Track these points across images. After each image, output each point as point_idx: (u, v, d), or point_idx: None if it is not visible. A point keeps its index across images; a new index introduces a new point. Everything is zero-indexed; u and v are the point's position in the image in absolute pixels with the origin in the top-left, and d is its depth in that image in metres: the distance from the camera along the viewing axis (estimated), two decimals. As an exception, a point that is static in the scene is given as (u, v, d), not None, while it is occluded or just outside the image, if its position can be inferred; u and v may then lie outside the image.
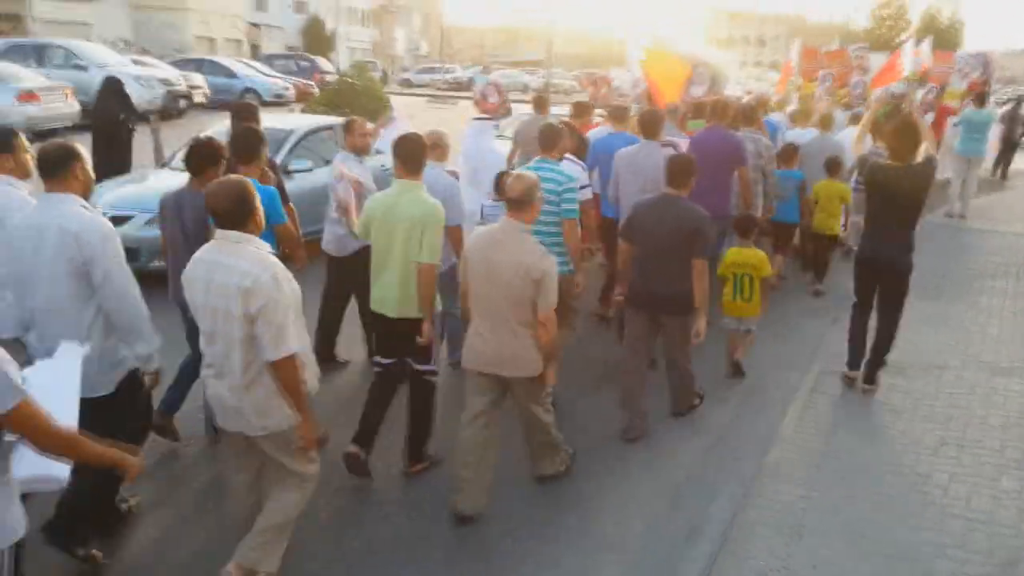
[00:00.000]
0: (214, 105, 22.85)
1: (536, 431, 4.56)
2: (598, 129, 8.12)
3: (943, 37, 41.08)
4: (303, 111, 18.99)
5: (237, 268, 3.25)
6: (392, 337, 4.60)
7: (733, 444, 5.33)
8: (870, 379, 6.06)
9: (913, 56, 15.18)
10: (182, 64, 25.68)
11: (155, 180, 8.64)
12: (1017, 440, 5.29)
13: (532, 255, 4.07)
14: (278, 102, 25.22)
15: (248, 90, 25.59)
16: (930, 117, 12.98)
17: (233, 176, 3.62)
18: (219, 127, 9.82)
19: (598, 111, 10.21)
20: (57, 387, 2.80)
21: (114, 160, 10.17)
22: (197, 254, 3.42)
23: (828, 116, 9.95)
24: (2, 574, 2.55)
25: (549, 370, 4.29)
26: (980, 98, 13.97)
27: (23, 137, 4.15)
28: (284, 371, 3.32)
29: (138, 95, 16.86)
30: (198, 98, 22.23)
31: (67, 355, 3.11)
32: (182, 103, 20.55)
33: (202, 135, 5.00)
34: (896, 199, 5.65)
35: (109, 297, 3.56)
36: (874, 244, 5.88)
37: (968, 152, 13.01)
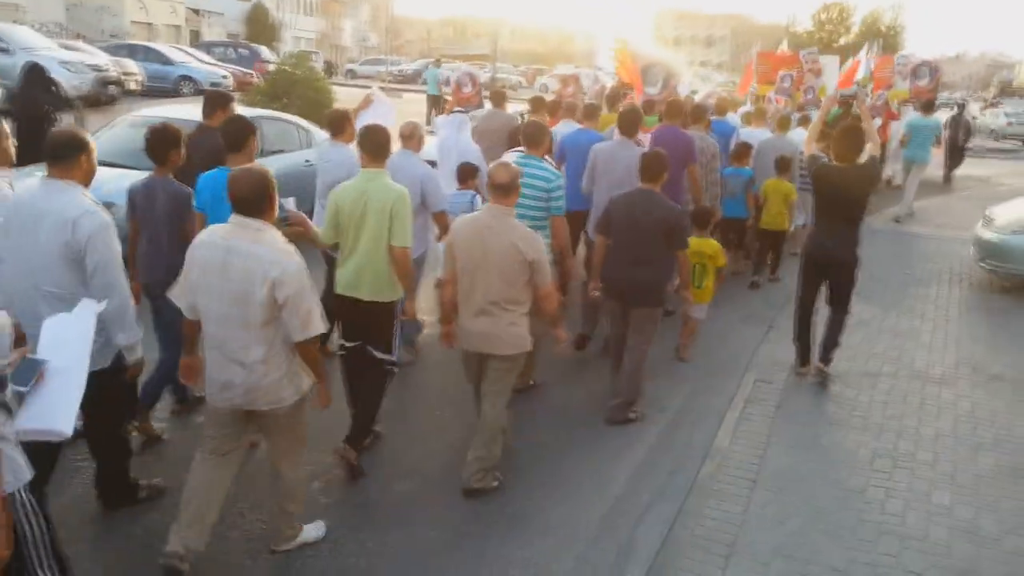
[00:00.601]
0: (148, 93, 22.11)
1: (487, 432, 4.58)
2: (562, 124, 8.26)
3: (884, 42, 42.08)
4: (240, 101, 18.47)
5: (261, 256, 3.38)
6: (356, 321, 4.70)
7: (667, 457, 5.20)
8: (826, 360, 6.34)
9: (867, 60, 15.86)
10: (115, 50, 24.68)
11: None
12: (949, 452, 5.26)
13: (524, 238, 4.36)
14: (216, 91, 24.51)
15: (184, 78, 24.79)
16: (878, 121, 13.34)
17: (256, 165, 3.77)
18: (144, 112, 9.42)
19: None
20: (71, 338, 2.95)
21: (38, 149, 9.65)
22: (209, 237, 3.52)
23: (786, 118, 10.32)
24: (22, 512, 2.76)
25: (558, 330, 4.69)
26: (928, 105, 14.29)
27: (5, 124, 4.28)
28: (308, 349, 3.57)
29: (65, 81, 16.20)
30: (131, 85, 21.40)
31: (84, 309, 3.16)
32: (113, 90, 19.72)
33: (158, 122, 4.96)
34: (842, 197, 5.92)
35: (99, 286, 3.57)
36: (822, 241, 6.10)
37: (915, 158, 13.41)
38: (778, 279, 9.29)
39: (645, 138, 7.55)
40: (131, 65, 22.40)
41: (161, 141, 4.66)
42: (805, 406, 5.91)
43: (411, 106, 22.14)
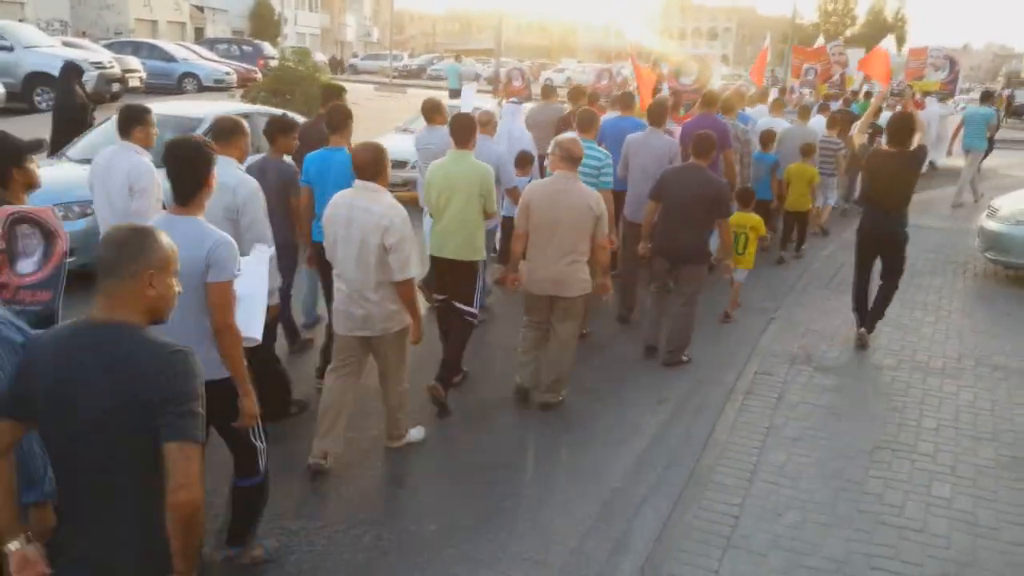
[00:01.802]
0: (151, 90, 22.06)
1: (562, 356, 5.51)
2: (609, 114, 8.85)
3: (887, 34, 41.80)
4: (243, 97, 18.45)
5: (375, 210, 4.28)
6: (444, 277, 5.59)
7: (666, 449, 5.18)
8: (870, 328, 6.93)
9: (895, 54, 16.45)
10: (118, 47, 24.58)
11: (49, 173, 8.19)
12: (949, 444, 5.22)
13: (592, 197, 5.29)
14: (219, 87, 24.46)
15: (187, 75, 24.76)
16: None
17: (374, 141, 4.62)
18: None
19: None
20: (251, 273, 3.65)
21: (73, 137, 9.80)
22: (338, 199, 4.44)
23: (806, 108, 11.15)
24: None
25: (606, 279, 5.61)
26: (986, 95, 15.05)
27: (153, 114, 5.37)
28: (405, 289, 4.44)
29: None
30: (134, 82, 21.28)
31: (260, 252, 4.01)
32: (115, 87, 19.65)
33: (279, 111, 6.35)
34: (892, 179, 6.48)
35: (253, 240, 4.31)
36: (874, 220, 6.69)
37: (972, 146, 14.07)
38: (802, 255, 10.16)
39: (676, 129, 8.21)
40: (133, 62, 22.29)
41: (271, 126, 5.58)
42: (805, 398, 5.88)
43: (415, 100, 22.07)
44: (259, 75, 24.70)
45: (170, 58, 25.29)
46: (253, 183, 4.47)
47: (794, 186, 9.78)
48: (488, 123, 6.84)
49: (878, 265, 6.88)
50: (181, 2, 46.72)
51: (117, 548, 2.20)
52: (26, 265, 3.06)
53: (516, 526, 4.28)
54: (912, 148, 6.46)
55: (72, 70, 11.27)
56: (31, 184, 3.43)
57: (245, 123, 4.74)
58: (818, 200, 10.84)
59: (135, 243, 2.24)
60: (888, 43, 16.40)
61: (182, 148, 3.37)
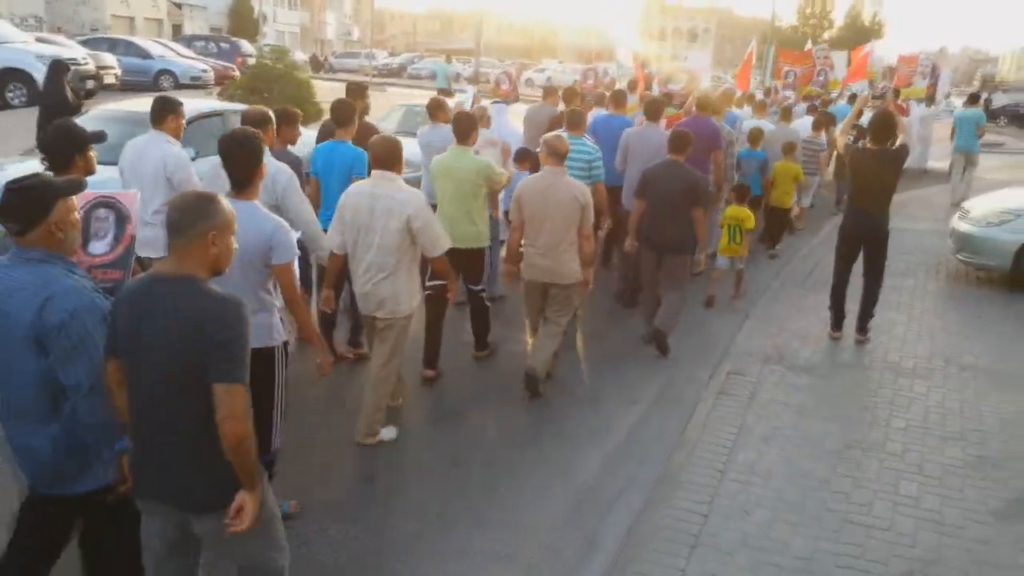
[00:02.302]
0: (127, 87, 21.80)
1: (552, 334, 5.82)
2: (595, 111, 9.21)
3: (865, 37, 42.09)
4: (219, 95, 18.30)
5: (397, 197, 4.64)
6: (454, 263, 5.57)
7: (638, 447, 5.21)
8: (862, 330, 7.11)
9: (877, 56, 16.98)
10: (94, 43, 24.27)
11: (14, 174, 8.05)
12: (918, 444, 5.26)
13: (579, 189, 5.65)
14: (195, 85, 24.25)
15: (164, 72, 24.53)
16: None
17: (390, 135, 5.00)
18: (109, 107, 9.29)
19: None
20: None
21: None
22: (357, 188, 4.79)
23: (788, 109, 11.57)
24: (280, 363, 3.78)
25: (588, 272, 5.86)
26: (973, 97, 15.27)
27: (184, 105, 5.67)
28: (439, 262, 4.93)
29: (40, 74, 15.98)
30: (109, 79, 21.03)
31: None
32: (90, 84, 19.40)
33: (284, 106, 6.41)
34: (874, 177, 6.63)
35: (297, 221, 4.63)
36: (857, 219, 6.84)
37: (967, 147, 14.37)
38: (778, 255, 10.31)
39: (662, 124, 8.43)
40: (109, 59, 22.03)
41: (277, 116, 5.53)
42: (777, 398, 5.91)
43: (394, 99, 21.96)
44: (237, 73, 24.47)
45: (146, 55, 25.05)
46: (289, 170, 4.75)
47: (779, 183, 10.15)
48: (481, 117, 7.43)
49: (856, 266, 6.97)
50: (159, -1, 46.32)
51: (185, 477, 2.61)
52: (97, 246, 3.37)
53: (489, 522, 4.28)
54: (894, 147, 6.61)
55: (60, 67, 11.24)
56: (89, 170, 3.70)
57: (272, 114, 5.18)
58: (799, 201, 11.12)
59: (200, 207, 2.60)
60: (876, 46, 16.86)
61: (238, 139, 3.68)
